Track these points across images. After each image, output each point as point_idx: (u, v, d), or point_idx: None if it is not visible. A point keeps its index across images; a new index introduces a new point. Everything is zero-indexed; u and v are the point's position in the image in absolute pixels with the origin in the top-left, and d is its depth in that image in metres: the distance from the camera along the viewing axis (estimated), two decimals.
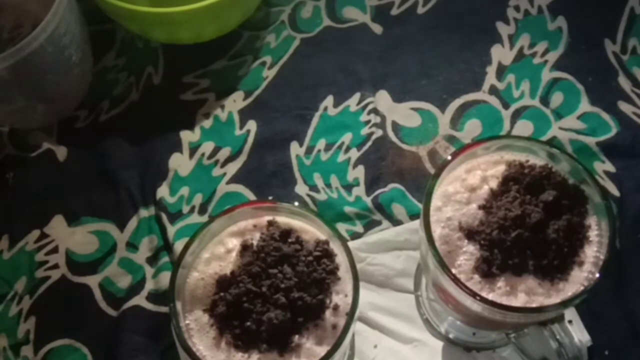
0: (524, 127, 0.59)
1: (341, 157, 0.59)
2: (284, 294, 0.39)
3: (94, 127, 0.63)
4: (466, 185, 0.43)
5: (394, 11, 0.67)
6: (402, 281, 0.53)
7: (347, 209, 0.56)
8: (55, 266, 0.56)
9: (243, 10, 0.65)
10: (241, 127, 0.61)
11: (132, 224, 0.57)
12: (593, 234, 0.41)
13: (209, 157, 0.60)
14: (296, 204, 0.42)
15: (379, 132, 0.60)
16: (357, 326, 0.51)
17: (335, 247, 0.41)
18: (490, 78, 0.62)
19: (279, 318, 0.38)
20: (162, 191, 0.58)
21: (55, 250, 0.57)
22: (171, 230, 0.56)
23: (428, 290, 0.51)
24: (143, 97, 0.64)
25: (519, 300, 0.39)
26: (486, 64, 0.63)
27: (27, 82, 0.55)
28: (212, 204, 0.58)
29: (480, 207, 0.42)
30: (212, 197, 0.58)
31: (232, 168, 0.59)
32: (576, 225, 0.40)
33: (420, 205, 0.54)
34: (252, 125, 0.61)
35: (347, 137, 0.60)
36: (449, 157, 0.43)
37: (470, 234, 0.41)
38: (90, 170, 0.60)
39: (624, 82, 0.61)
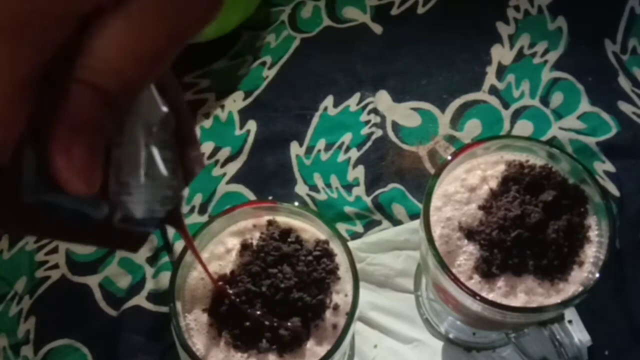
0: (524, 127, 0.59)
1: (341, 157, 0.59)
2: (283, 294, 0.39)
3: None
4: (466, 185, 0.43)
5: (394, 11, 0.67)
6: (402, 281, 0.53)
7: (347, 209, 0.56)
8: (55, 266, 0.56)
9: (243, 10, 0.65)
10: (241, 127, 0.61)
11: None
12: (593, 234, 0.41)
13: (209, 157, 0.60)
14: (296, 204, 0.42)
15: (379, 132, 0.60)
16: (357, 326, 0.51)
17: (335, 246, 0.41)
18: (490, 78, 0.62)
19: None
20: None
21: (55, 250, 0.57)
22: (171, 230, 0.56)
23: (428, 290, 0.51)
24: None
25: (519, 300, 0.39)
26: (486, 64, 0.63)
27: None
28: (212, 204, 0.58)
29: (480, 207, 0.42)
30: (212, 197, 0.58)
31: (232, 168, 0.59)
32: (576, 225, 0.40)
33: (420, 205, 0.54)
34: (252, 125, 0.61)
35: (347, 137, 0.60)
36: (449, 157, 0.43)
37: (470, 234, 0.41)
38: None
39: (624, 82, 0.61)
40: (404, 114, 0.61)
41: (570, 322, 0.49)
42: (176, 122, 0.23)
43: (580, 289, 0.39)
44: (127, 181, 0.21)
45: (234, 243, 0.42)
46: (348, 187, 0.58)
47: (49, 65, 0.18)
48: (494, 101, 0.61)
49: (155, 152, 0.22)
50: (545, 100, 0.61)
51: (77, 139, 0.18)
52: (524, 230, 0.39)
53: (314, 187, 0.58)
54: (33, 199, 0.19)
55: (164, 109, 0.22)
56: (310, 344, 0.38)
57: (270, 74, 0.64)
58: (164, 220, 0.24)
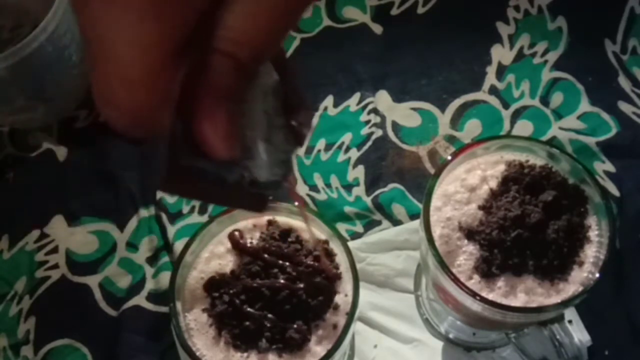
0: (524, 127, 0.59)
1: (341, 157, 0.59)
2: (284, 293, 0.39)
3: (93, 127, 0.63)
4: (466, 185, 0.43)
5: (394, 11, 0.67)
6: (402, 281, 0.53)
7: (347, 209, 0.56)
8: (55, 266, 0.56)
9: None
10: None
11: (132, 224, 0.57)
12: (593, 234, 0.41)
13: None
14: (296, 204, 0.42)
15: (379, 132, 0.60)
16: (357, 326, 0.51)
17: (335, 246, 0.41)
18: (490, 78, 0.62)
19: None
20: None
21: (55, 250, 0.56)
22: (171, 230, 0.56)
23: (428, 290, 0.51)
24: None
25: (519, 300, 0.39)
26: (486, 64, 0.63)
27: (27, 82, 0.55)
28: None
29: (480, 207, 0.42)
30: None
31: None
32: (576, 225, 0.40)
33: (420, 205, 0.54)
34: None
35: (347, 137, 0.60)
36: (449, 157, 0.43)
37: (470, 234, 0.41)
38: (90, 170, 0.60)
39: (624, 82, 0.61)
40: (404, 114, 0.61)
41: (570, 322, 0.49)
42: (284, 87, 0.25)
43: (580, 289, 0.39)
44: (250, 146, 0.23)
45: None
46: (348, 187, 0.58)
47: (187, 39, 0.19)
48: (494, 101, 0.61)
49: (271, 118, 0.24)
50: (545, 100, 0.61)
51: (220, 106, 0.20)
52: (524, 230, 0.39)
53: (314, 187, 0.58)
54: (185, 164, 0.22)
55: (276, 76, 0.24)
56: (310, 344, 0.38)
57: None
58: (280, 183, 0.25)
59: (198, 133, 0.20)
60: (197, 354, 0.38)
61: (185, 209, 0.57)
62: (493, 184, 0.43)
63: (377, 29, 0.66)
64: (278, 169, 0.24)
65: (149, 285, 0.54)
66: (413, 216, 0.56)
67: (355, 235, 0.55)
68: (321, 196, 0.57)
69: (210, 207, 0.57)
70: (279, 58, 0.24)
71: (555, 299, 0.39)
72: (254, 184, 0.23)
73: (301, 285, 0.39)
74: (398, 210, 0.56)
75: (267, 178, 0.24)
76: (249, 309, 0.38)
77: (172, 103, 0.20)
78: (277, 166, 0.24)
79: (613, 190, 0.55)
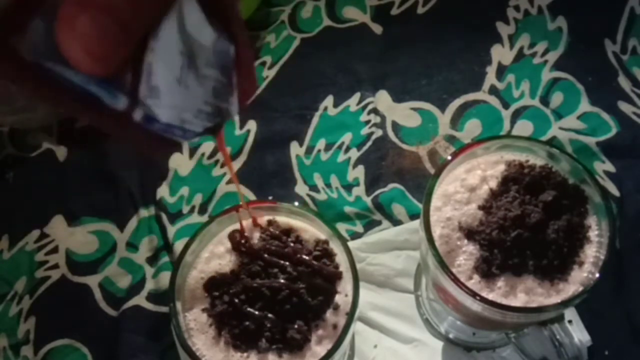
0: (524, 127, 0.59)
1: (341, 157, 0.59)
2: (284, 293, 0.39)
3: (93, 127, 0.63)
4: (466, 185, 0.43)
5: (394, 11, 0.67)
6: (402, 281, 0.53)
7: (347, 209, 0.56)
8: (55, 266, 0.56)
9: (243, 10, 0.65)
10: (241, 127, 0.61)
11: (132, 224, 0.57)
12: (593, 234, 0.41)
13: (209, 157, 0.60)
14: (296, 204, 0.42)
15: (379, 132, 0.60)
16: (357, 326, 0.51)
17: (335, 246, 0.41)
18: (490, 78, 0.62)
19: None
20: (162, 191, 0.58)
21: (55, 250, 0.57)
22: (171, 230, 0.56)
23: (428, 290, 0.51)
24: None
25: (519, 300, 0.39)
26: (486, 64, 0.63)
27: None
28: (212, 203, 0.58)
29: (480, 207, 0.42)
30: (212, 197, 0.58)
31: (233, 168, 0.59)
32: (576, 225, 0.40)
33: (420, 205, 0.54)
34: (252, 125, 0.61)
35: (347, 137, 0.60)
36: (449, 157, 0.43)
37: (470, 234, 0.41)
38: (90, 170, 0.60)
39: (624, 82, 0.61)
40: (404, 114, 0.61)
41: (570, 322, 0.49)
42: (236, 53, 0.25)
43: (580, 289, 0.39)
44: (156, 85, 0.22)
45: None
46: (348, 187, 0.58)
47: None
48: (494, 101, 0.61)
49: (196, 66, 0.23)
50: (545, 100, 0.61)
51: (83, 11, 0.19)
52: (524, 230, 0.39)
53: (314, 187, 0.58)
54: (35, 59, 0.20)
55: (213, 32, 0.24)
56: (310, 344, 0.38)
57: (270, 74, 0.64)
58: (195, 133, 0.25)
59: (55, 33, 0.19)
60: (197, 354, 0.38)
61: (185, 209, 0.57)
62: (493, 184, 0.43)
63: (377, 29, 0.66)
64: (194, 118, 0.24)
65: (149, 285, 0.54)
66: (413, 216, 0.56)
67: (355, 235, 0.55)
68: (321, 196, 0.57)
69: (210, 207, 0.57)
70: (234, 25, 0.24)
71: (555, 299, 0.39)
72: (151, 120, 0.23)
73: (301, 285, 0.39)
74: (398, 210, 0.56)
75: (171, 121, 0.23)
76: (249, 309, 0.38)
77: None
78: (193, 114, 0.24)
79: (613, 190, 0.55)
